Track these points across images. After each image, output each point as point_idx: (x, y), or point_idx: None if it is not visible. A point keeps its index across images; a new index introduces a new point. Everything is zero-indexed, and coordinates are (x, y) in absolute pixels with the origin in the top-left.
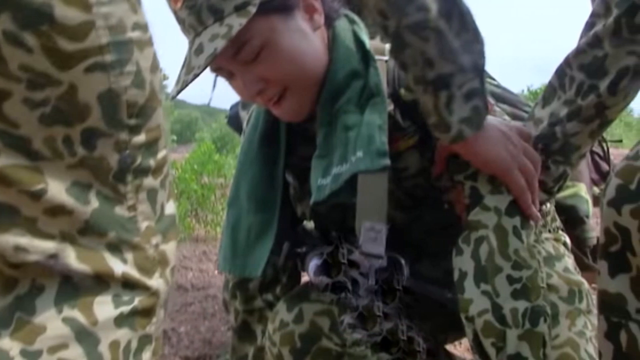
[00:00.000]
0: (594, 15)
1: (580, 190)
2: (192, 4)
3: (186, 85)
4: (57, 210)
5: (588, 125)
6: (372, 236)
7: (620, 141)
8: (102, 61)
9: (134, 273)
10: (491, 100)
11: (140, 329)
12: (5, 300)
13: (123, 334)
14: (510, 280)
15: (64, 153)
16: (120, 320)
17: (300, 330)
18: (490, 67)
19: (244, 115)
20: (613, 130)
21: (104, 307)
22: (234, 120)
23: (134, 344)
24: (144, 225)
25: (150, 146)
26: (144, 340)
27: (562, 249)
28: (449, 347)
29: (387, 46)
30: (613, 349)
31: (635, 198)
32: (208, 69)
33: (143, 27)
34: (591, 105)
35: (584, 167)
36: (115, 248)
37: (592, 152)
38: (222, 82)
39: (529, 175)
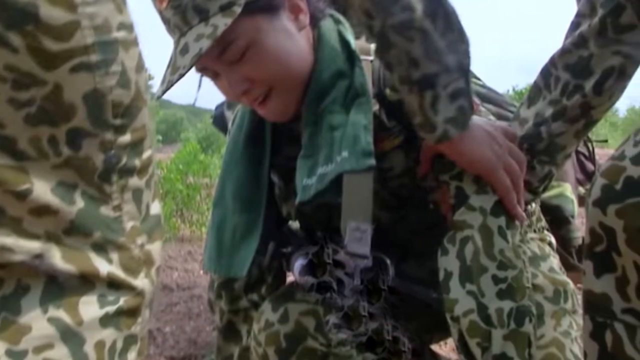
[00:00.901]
0: (579, 15)
1: (566, 190)
2: (178, 3)
3: (171, 85)
4: (43, 210)
5: (573, 125)
6: (357, 236)
7: (606, 141)
8: (88, 61)
9: (120, 273)
10: (476, 100)
11: (126, 329)
12: None
13: (108, 334)
14: (496, 280)
15: (49, 153)
16: (105, 320)
17: (286, 330)
18: (475, 67)
19: (229, 115)
20: (598, 130)
21: (90, 307)
22: (219, 120)
23: (119, 344)
24: (129, 225)
25: (136, 146)
26: (130, 340)
27: (547, 249)
28: (435, 347)
29: (373, 46)
30: (598, 349)
31: (620, 198)
32: (193, 69)
33: (128, 27)
34: (576, 105)
35: (569, 167)
36: (101, 248)
37: (578, 152)
38: (207, 82)
39: (514, 175)
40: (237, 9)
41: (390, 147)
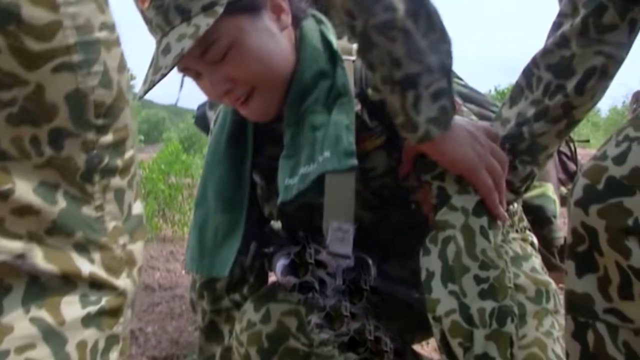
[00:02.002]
0: (562, 15)
1: (548, 190)
2: (160, 3)
3: (153, 85)
4: (25, 210)
5: (555, 125)
6: (339, 236)
7: (588, 141)
8: (70, 61)
9: (101, 273)
10: (458, 100)
11: (108, 329)
12: None
13: (90, 334)
14: (478, 280)
15: (31, 153)
16: (87, 321)
17: (268, 330)
18: (458, 67)
19: (211, 115)
20: (580, 130)
21: (72, 307)
22: (201, 120)
23: (101, 344)
24: (111, 225)
25: (118, 146)
26: (111, 340)
27: (529, 249)
28: (417, 347)
29: (355, 46)
30: (580, 349)
31: (602, 198)
32: (175, 69)
33: (110, 27)
34: (558, 105)
35: (552, 167)
36: (83, 248)
37: (560, 152)
38: (189, 82)
39: (496, 175)
40: (219, 9)
41: (372, 147)
